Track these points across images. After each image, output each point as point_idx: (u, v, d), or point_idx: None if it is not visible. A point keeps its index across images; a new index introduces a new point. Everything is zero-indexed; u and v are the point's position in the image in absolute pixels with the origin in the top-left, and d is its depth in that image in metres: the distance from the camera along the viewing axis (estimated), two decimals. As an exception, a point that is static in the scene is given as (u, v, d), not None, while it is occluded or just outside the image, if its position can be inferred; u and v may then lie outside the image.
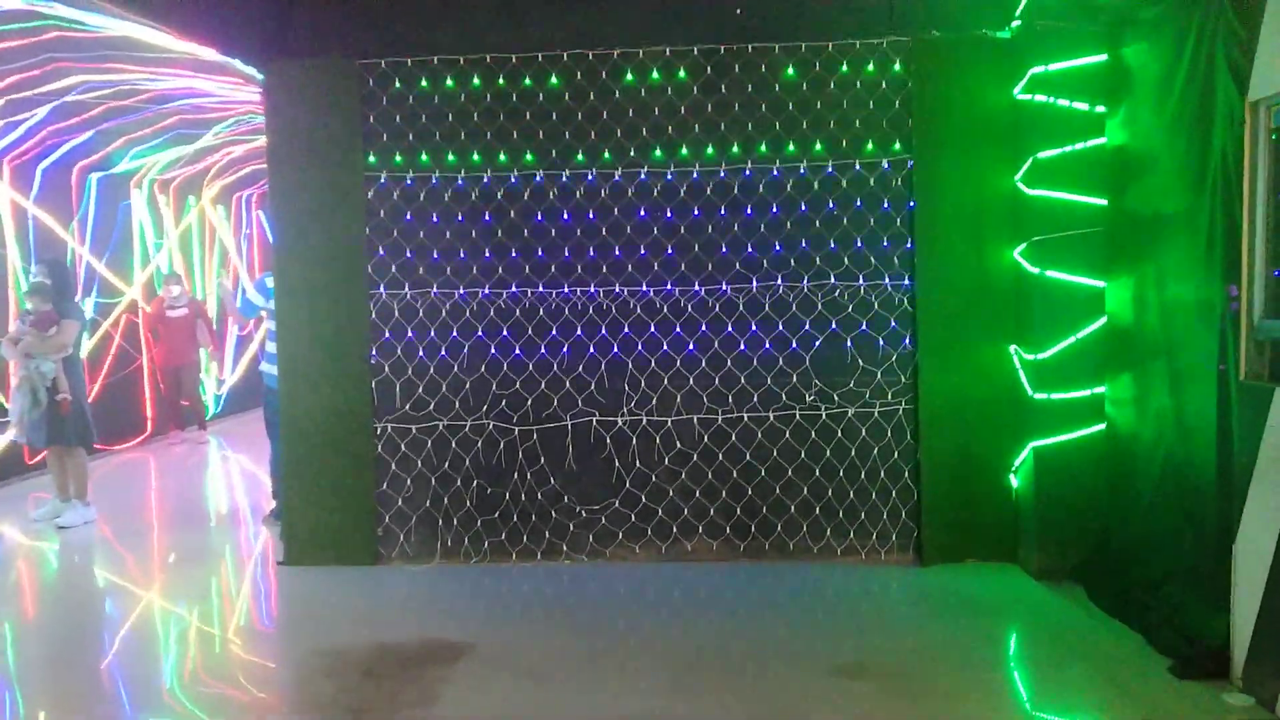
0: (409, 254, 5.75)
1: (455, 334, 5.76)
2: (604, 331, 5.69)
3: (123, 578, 6.19)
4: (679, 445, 5.68)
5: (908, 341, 5.58)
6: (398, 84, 5.69)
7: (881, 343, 5.59)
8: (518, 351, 5.73)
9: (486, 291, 5.73)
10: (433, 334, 5.77)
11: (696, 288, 5.64)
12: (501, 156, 5.68)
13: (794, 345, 5.62)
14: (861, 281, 5.59)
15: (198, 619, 5.22)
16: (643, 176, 5.64)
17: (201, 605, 5.47)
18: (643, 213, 5.65)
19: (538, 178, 5.67)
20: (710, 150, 5.61)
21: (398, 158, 5.72)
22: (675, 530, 5.72)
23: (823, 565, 5.64)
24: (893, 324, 5.59)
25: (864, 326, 5.60)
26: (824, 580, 5.44)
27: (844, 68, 5.56)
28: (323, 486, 5.81)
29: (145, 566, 6.39)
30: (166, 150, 10.08)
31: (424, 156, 5.71)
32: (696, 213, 5.63)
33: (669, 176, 5.64)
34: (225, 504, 8.37)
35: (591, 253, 5.66)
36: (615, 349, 5.69)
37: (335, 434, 5.79)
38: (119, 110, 8.43)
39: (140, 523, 7.57)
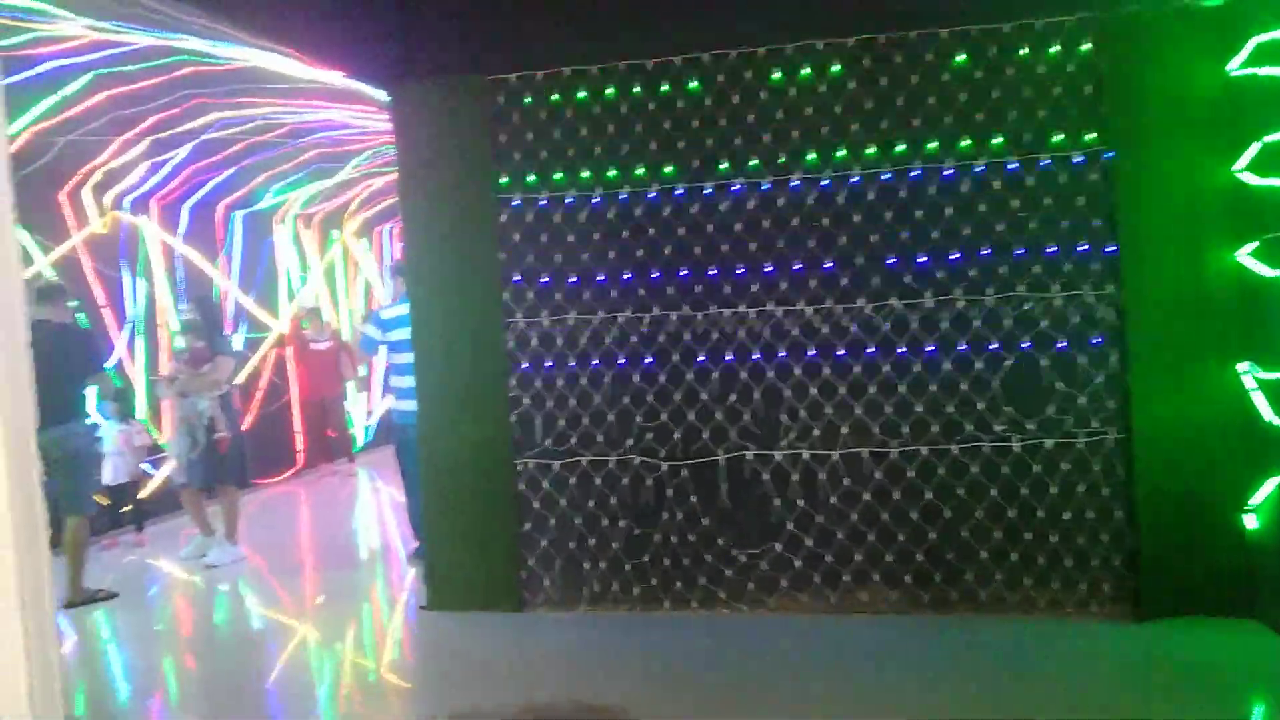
0: (545, 279, 5.37)
1: (596, 362, 5.34)
2: (757, 356, 5.15)
3: (266, 621, 6.05)
4: (847, 482, 5.07)
5: (1115, 361, 4.82)
6: (528, 99, 5.34)
7: (1083, 362, 4.85)
8: (663, 380, 5.26)
9: (628, 316, 5.29)
10: (573, 363, 5.37)
11: (862, 305, 5.04)
12: (639, 170, 5.24)
13: (978, 367, 4.94)
14: (1057, 292, 4.87)
15: (335, 669, 4.95)
16: (795, 184, 5.09)
17: (341, 654, 5.21)
18: (796, 223, 5.10)
19: (679, 191, 5.20)
20: (871, 150, 5.02)
21: (530, 177, 5.36)
22: (847, 578, 5.11)
23: (1021, 621, 4.89)
24: (1096, 340, 4.83)
25: (1061, 344, 4.86)
26: (1023, 638, 4.72)
27: (1023, 51, 4.88)
28: (463, 527, 5.48)
29: (290, 609, 6.23)
30: (307, 185, 10.16)
31: (558, 174, 5.33)
32: (858, 220, 5.04)
33: (825, 183, 5.06)
34: (374, 539, 8.22)
35: (741, 270, 5.15)
36: (770, 375, 5.15)
37: (475, 472, 5.45)
38: (258, 146, 8.47)
39: (290, 559, 7.47)
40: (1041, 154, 4.88)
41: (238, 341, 9.98)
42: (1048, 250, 4.87)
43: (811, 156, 5.07)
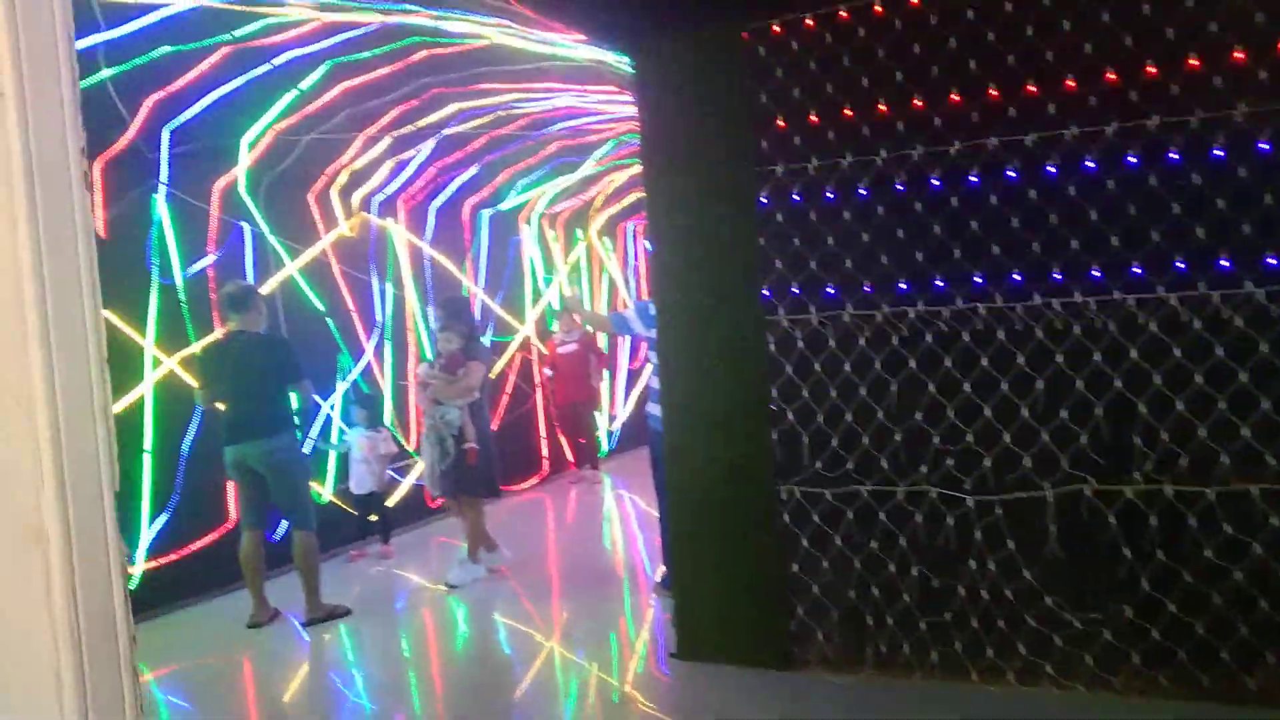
0: (814, 265, 4.40)
1: (879, 368, 4.30)
2: (1099, 359, 3.93)
3: (501, 650, 5.53)
4: (1228, 529, 3.74)
5: None
6: (795, 49, 4.39)
7: None
8: (969, 390, 4.14)
9: (921, 310, 4.22)
10: (848, 369, 4.36)
11: (1250, 290, 3.71)
12: (936, 123, 4.16)
13: None
14: None
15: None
16: (1154, 132, 3.83)
17: (578, 705, 4.51)
18: (1154, 182, 3.84)
19: (991, 148, 4.07)
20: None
21: (797, 141, 4.40)
22: (1227, 658, 3.78)
23: None
24: None
25: None
26: None
27: None
28: (717, 564, 4.62)
29: (528, 641, 5.66)
30: (550, 181, 9.73)
31: (831, 135, 4.34)
32: (1244, 178, 3.71)
33: (1217, 150, 3.77)
34: (620, 557, 7.57)
35: (1075, 246, 3.94)
36: (1118, 385, 3.91)
37: (729, 498, 4.56)
38: (500, 141, 8.05)
39: (533, 576, 6.93)
40: None
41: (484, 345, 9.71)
42: None
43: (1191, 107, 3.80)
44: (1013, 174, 4.02)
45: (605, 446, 11.75)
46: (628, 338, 12.44)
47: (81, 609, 1.00)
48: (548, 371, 10.44)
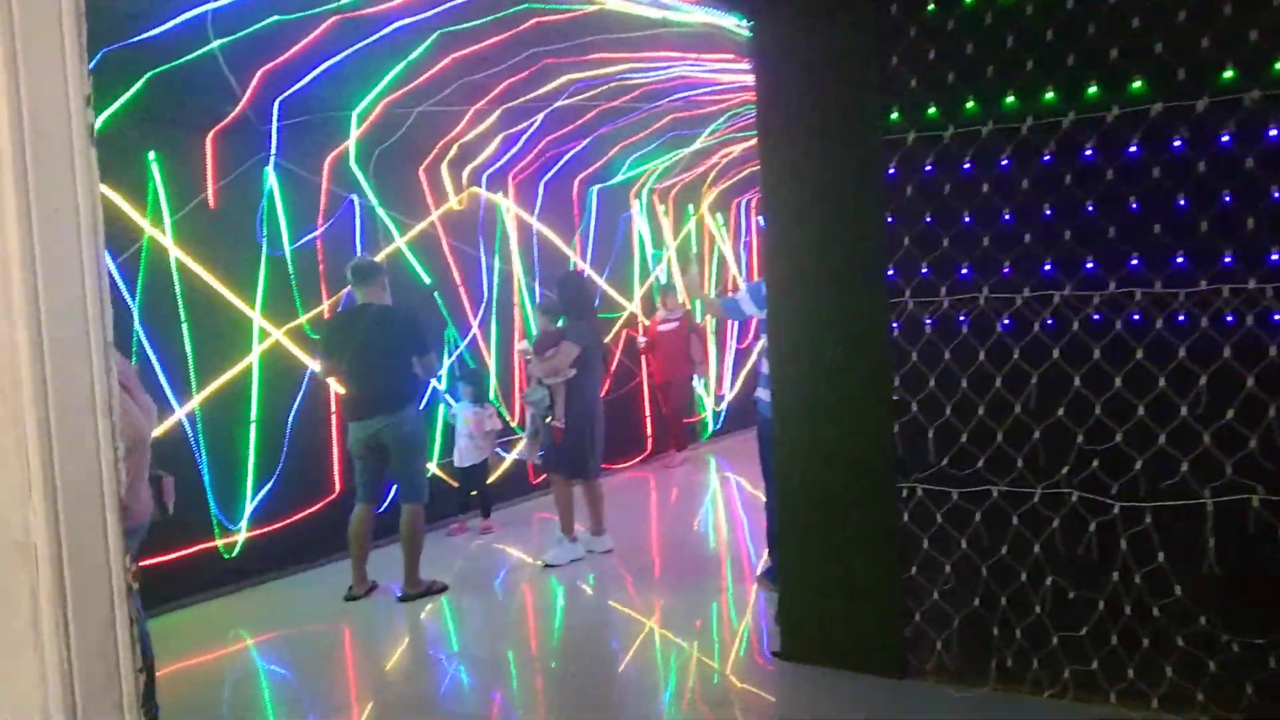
0: (947, 244, 4.03)
1: (1018, 358, 3.91)
2: (1276, 354, 3.47)
3: (595, 636, 5.36)
4: None
5: None
6: (930, 6, 4.01)
7: None
8: (1119, 385, 3.72)
9: (1067, 295, 3.81)
10: (983, 358, 3.98)
11: None
12: (1091, 88, 3.73)
13: None
14: None
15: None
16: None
17: (674, 702, 4.29)
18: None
19: (1153, 114, 3.63)
20: None
21: (931, 109, 4.02)
22: None
23: None
24: None
25: None
26: None
27: None
28: (828, 562, 4.32)
29: (625, 625, 5.50)
30: (662, 156, 9.47)
31: (970, 102, 3.95)
32: None
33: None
34: (722, 542, 7.31)
35: (1250, 225, 3.48)
36: (1297, 383, 3.45)
37: (844, 493, 4.25)
38: (611, 114, 7.83)
39: (633, 557, 6.74)
40: None
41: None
42: None
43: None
44: (1179, 144, 3.57)
45: (710, 427, 11.50)
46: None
47: (75, 639, 0.82)
48: (644, 340, 10.21)
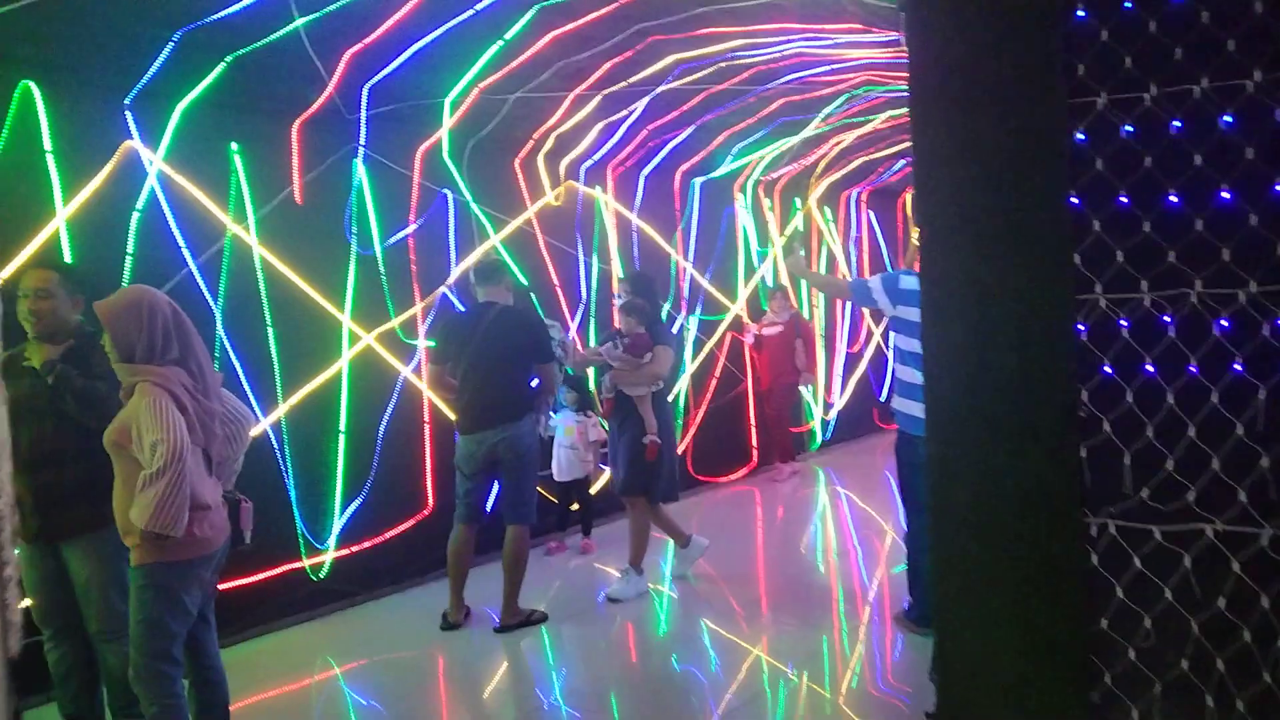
0: (1149, 227, 3.32)
1: (1240, 369, 3.19)
2: None
3: (707, 655, 4.80)
4: None
5: None
6: (1126, -59, 3.32)
7: None
8: (1381, 402, 2.97)
9: (1307, 289, 3.08)
10: (1195, 369, 3.27)
11: None
12: (1345, 32, 3.00)
13: None
14: None
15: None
16: None
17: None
18: None
19: None
20: None
21: (1128, 62, 3.33)
22: None
23: None
24: None
25: None
26: None
27: None
28: (998, 610, 3.63)
29: (733, 649, 4.97)
30: (769, 145, 8.84)
31: (1179, 52, 3.24)
32: None
33: None
34: (841, 569, 6.64)
35: None
36: None
37: (1018, 530, 3.55)
38: (718, 99, 7.25)
39: (736, 584, 6.15)
40: None
41: (692, 325, 8.98)
42: None
43: None
44: None
45: (819, 437, 10.82)
46: (845, 321, 11.44)
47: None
48: (751, 336, 9.54)
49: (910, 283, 4.84)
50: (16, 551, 4.20)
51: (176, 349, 3.31)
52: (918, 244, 4.29)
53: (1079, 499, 3.39)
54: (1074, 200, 3.35)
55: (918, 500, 4.76)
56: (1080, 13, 3.23)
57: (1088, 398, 3.36)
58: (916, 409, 4.71)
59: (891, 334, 5.09)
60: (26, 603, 4.02)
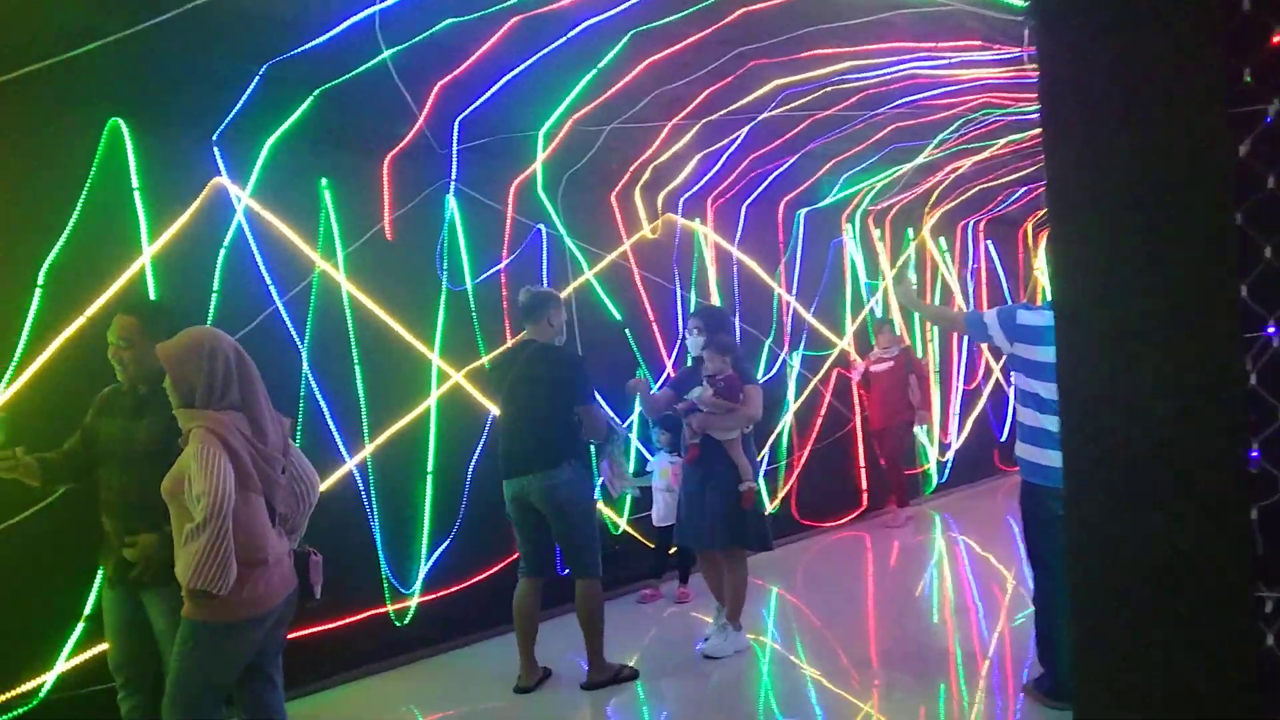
0: (1333, 255, 2.84)
1: None
2: None
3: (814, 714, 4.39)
4: None
5: None
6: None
7: None
8: None
9: None
10: (1394, 418, 2.76)
11: None
12: None
13: None
14: None
15: None
16: None
17: None
18: None
19: None
20: None
21: (1306, 64, 2.87)
22: None
23: None
24: None
25: None
26: None
27: None
28: (1150, 696, 3.15)
29: (844, 707, 4.53)
30: (879, 174, 8.42)
31: (1372, 50, 2.77)
32: None
33: None
34: (959, 623, 6.09)
35: None
36: None
37: (1175, 604, 3.06)
38: (824, 125, 6.90)
39: (845, 640, 5.68)
40: None
41: (795, 361, 8.58)
42: None
43: None
44: None
45: (934, 480, 10.22)
46: (962, 355, 10.83)
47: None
48: (858, 373, 9.07)
49: (1029, 318, 4.38)
50: (98, 594, 4.14)
51: (237, 392, 3.15)
52: (1040, 276, 3.74)
53: (1249, 570, 2.87)
54: (1238, 222, 2.87)
55: (1046, 561, 4.27)
56: (1245, 5, 2.77)
57: (1258, 452, 2.85)
58: (1039, 456, 4.25)
59: (1011, 372, 4.64)
60: (104, 646, 3.92)
